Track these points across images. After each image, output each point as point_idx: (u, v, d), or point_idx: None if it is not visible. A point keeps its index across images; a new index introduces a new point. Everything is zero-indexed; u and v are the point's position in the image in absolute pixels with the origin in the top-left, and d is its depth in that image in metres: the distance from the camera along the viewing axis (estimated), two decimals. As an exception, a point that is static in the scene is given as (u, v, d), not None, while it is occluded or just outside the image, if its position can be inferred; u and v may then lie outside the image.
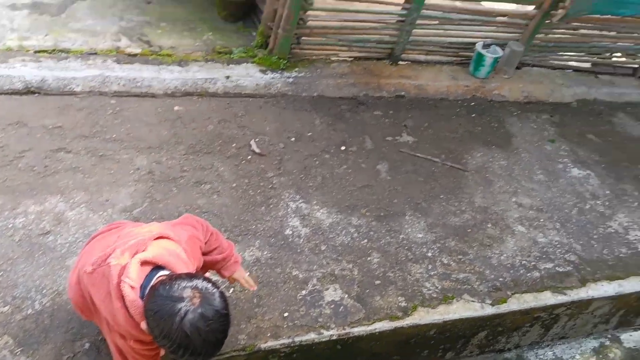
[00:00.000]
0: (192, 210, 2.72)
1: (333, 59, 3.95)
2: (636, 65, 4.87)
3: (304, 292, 2.53)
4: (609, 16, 4.18)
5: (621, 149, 4.06)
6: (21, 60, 3.25)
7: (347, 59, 3.98)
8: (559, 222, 3.29)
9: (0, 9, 3.68)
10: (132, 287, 1.53)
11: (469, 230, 3.07)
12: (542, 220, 3.27)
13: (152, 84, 3.37)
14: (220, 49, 3.82)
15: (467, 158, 3.57)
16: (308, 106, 3.60)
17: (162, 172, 2.89)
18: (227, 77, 3.55)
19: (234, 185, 2.93)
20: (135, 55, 3.56)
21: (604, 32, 4.53)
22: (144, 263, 1.58)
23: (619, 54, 4.83)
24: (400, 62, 4.09)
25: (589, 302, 2.94)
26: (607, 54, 4.79)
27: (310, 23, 3.67)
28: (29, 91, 3.12)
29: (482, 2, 4.08)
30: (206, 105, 3.39)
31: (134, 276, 1.54)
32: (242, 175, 3.00)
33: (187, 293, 1.44)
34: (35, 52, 3.36)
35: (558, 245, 3.13)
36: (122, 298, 1.53)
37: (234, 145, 3.17)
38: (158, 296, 1.44)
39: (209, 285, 1.49)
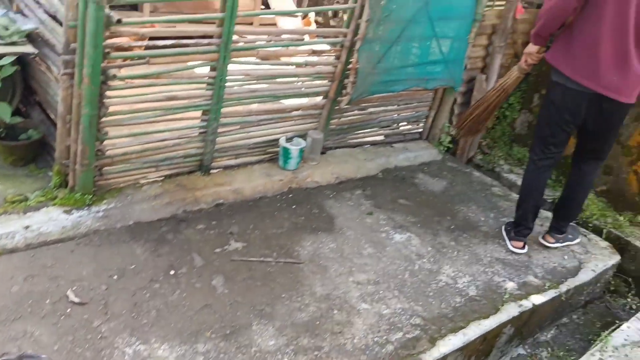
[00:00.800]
0: (9, 392, 2.32)
1: (143, 182, 3.81)
2: (421, 130, 5.47)
3: None
4: (386, 94, 4.68)
5: (429, 206, 4.44)
6: None
7: (157, 179, 3.87)
8: (396, 289, 3.44)
9: None
10: None
11: (318, 322, 3.06)
12: (381, 292, 3.39)
13: None
14: (13, 198, 3.47)
15: (299, 250, 3.61)
16: (126, 237, 3.39)
17: (-38, 356, 2.45)
18: (27, 227, 3.22)
19: (56, 347, 2.58)
20: None
21: (389, 107, 5.05)
22: None
23: (404, 123, 5.39)
24: (212, 171, 4.09)
25: (443, 359, 3.05)
26: (395, 125, 5.31)
27: (109, 152, 3.52)
28: None
29: (281, 100, 4.31)
30: (6, 265, 3.01)
31: None
32: (63, 333, 2.67)
33: None
34: None
35: (402, 313, 3.25)
36: None
37: (47, 301, 2.83)
38: None
39: None
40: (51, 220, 3.31)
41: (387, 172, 4.85)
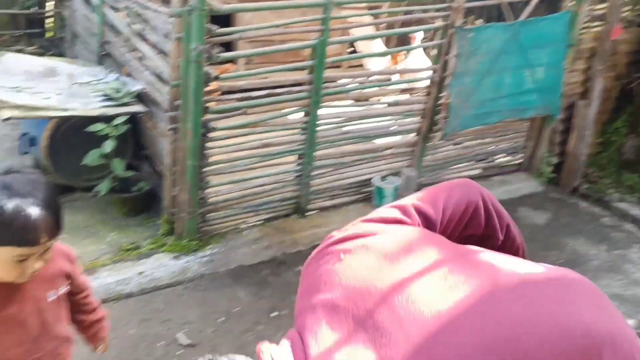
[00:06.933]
0: None
1: (243, 227, 3.97)
2: (519, 161, 5.29)
3: None
4: (481, 127, 4.58)
5: (532, 240, 4.24)
6: None
7: (256, 223, 4.02)
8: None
9: None
10: None
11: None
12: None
13: (60, 302, 3.18)
14: (127, 246, 3.73)
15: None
16: (229, 281, 3.52)
17: (86, 397, 2.63)
18: (140, 273, 3.44)
19: (169, 388, 2.71)
20: (37, 276, 3.38)
21: (485, 140, 4.94)
22: None
23: (502, 155, 5.24)
24: (308, 214, 4.17)
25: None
26: (492, 158, 5.17)
27: (212, 200, 3.71)
28: None
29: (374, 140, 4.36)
30: (123, 309, 3.22)
31: None
32: (175, 374, 2.80)
33: None
34: None
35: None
36: None
37: (161, 343, 2.99)
38: None
39: None
40: (161, 266, 3.52)
41: (485, 206, 4.70)
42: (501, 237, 1.15)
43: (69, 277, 1.68)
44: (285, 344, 0.92)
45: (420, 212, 1.06)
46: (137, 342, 2.97)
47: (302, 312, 0.94)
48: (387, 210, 1.06)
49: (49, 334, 1.62)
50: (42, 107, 3.89)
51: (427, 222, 1.06)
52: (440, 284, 0.87)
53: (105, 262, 3.52)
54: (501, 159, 5.26)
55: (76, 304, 1.76)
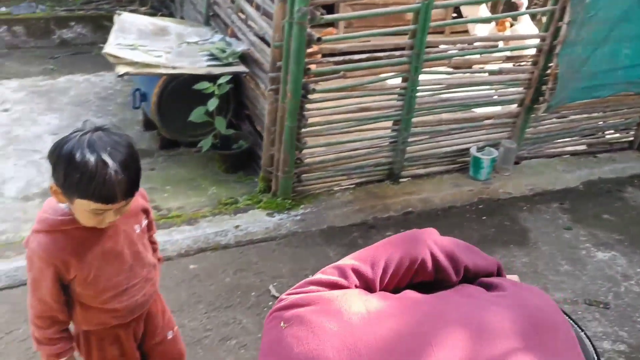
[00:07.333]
0: (221, 371, 2.63)
1: (336, 189, 4.04)
2: (631, 139, 4.95)
3: None
4: (590, 100, 4.32)
5: (639, 224, 4.01)
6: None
7: (349, 186, 4.07)
8: (597, 311, 3.16)
9: (13, 202, 3.84)
10: None
11: (508, 338, 2.94)
12: (579, 312, 3.15)
13: (165, 247, 3.42)
14: (225, 200, 3.92)
15: (488, 262, 3.51)
16: (320, 240, 3.62)
17: (186, 335, 2.84)
18: (237, 227, 3.62)
19: (259, 335, 2.87)
20: (145, 222, 3.65)
21: (593, 114, 4.66)
22: None
23: (611, 131, 4.93)
24: (401, 180, 4.17)
25: (653, 393, 2.74)
26: (600, 134, 4.88)
27: (307, 161, 3.80)
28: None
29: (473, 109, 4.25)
30: (220, 259, 3.41)
31: None
32: (266, 323, 2.95)
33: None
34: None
35: (603, 337, 2.98)
36: None
37: (253, 294, 3.15)
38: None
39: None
40: (256, 221, 3.68)
41: (589, 184, 4.47)
42: (456, 279, 1.16)
43: (145, 211, 1.84)
44: None
45: (358, 274, 1.09)
46: (232, 290, 3.15)
47: None
48: (328, 271, 1.10)
49: (141, 262, 1.80)
50: (154, 65, 4.12)
51: (365, 283, 1.10)
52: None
53: (205, 214, 3.73)
54: (610, 135, 4.95)
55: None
